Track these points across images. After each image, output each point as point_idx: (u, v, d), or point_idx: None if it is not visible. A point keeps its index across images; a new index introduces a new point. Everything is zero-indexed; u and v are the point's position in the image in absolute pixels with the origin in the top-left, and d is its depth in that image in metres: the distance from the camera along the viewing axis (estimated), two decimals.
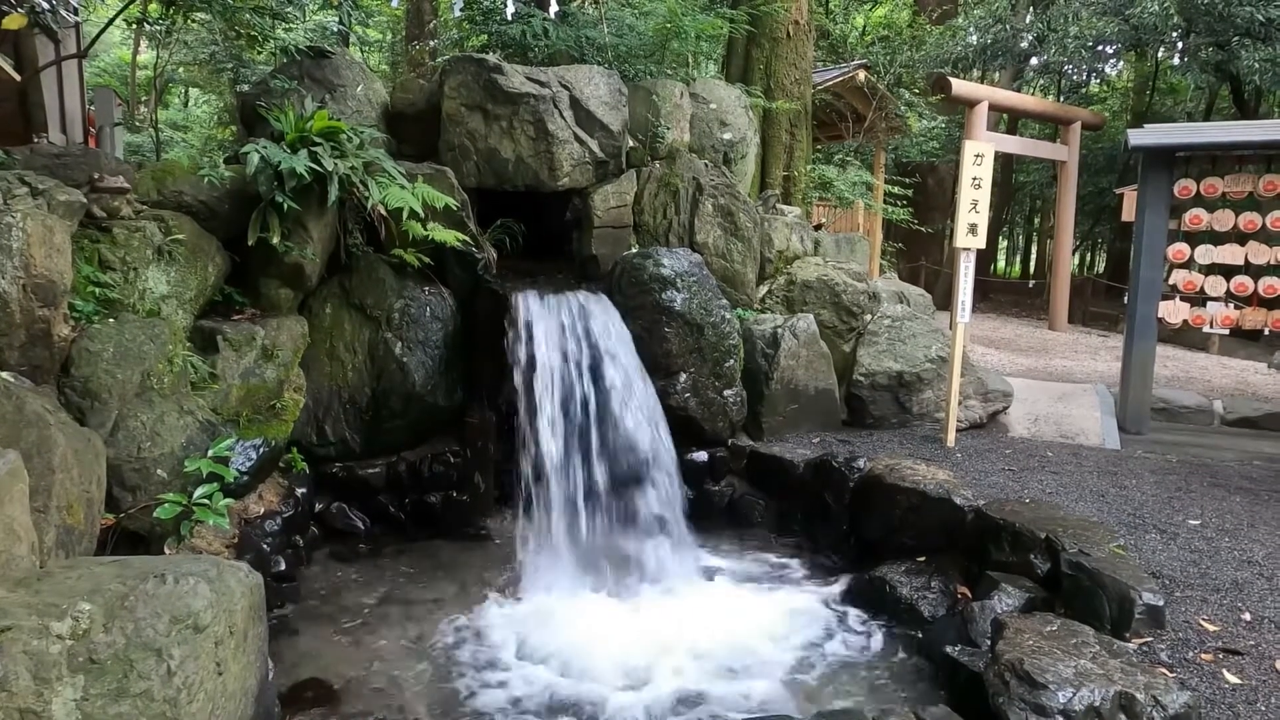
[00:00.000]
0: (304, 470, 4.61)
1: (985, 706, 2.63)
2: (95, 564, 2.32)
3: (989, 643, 3.04)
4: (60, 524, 2.76)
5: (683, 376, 5.14)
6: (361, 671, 3.45)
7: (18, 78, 5.74)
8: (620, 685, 3.40)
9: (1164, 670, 2.72)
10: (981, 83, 15.35)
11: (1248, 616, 3.17)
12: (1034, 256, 29.86)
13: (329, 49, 5.73)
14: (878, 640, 3.77)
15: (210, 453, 3.74)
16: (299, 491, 4.44)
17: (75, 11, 5.62)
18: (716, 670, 3.53)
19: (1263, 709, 2.59)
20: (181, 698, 2.03)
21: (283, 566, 4.06)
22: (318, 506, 4.69)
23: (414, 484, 4.89)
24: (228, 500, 3.70)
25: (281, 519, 4.20)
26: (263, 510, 4.18)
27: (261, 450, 4.17)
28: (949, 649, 3.20)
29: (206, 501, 3.57)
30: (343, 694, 3.29)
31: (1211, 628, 3.08)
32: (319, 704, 3.20)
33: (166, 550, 3.49)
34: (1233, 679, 2.74)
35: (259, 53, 6.15)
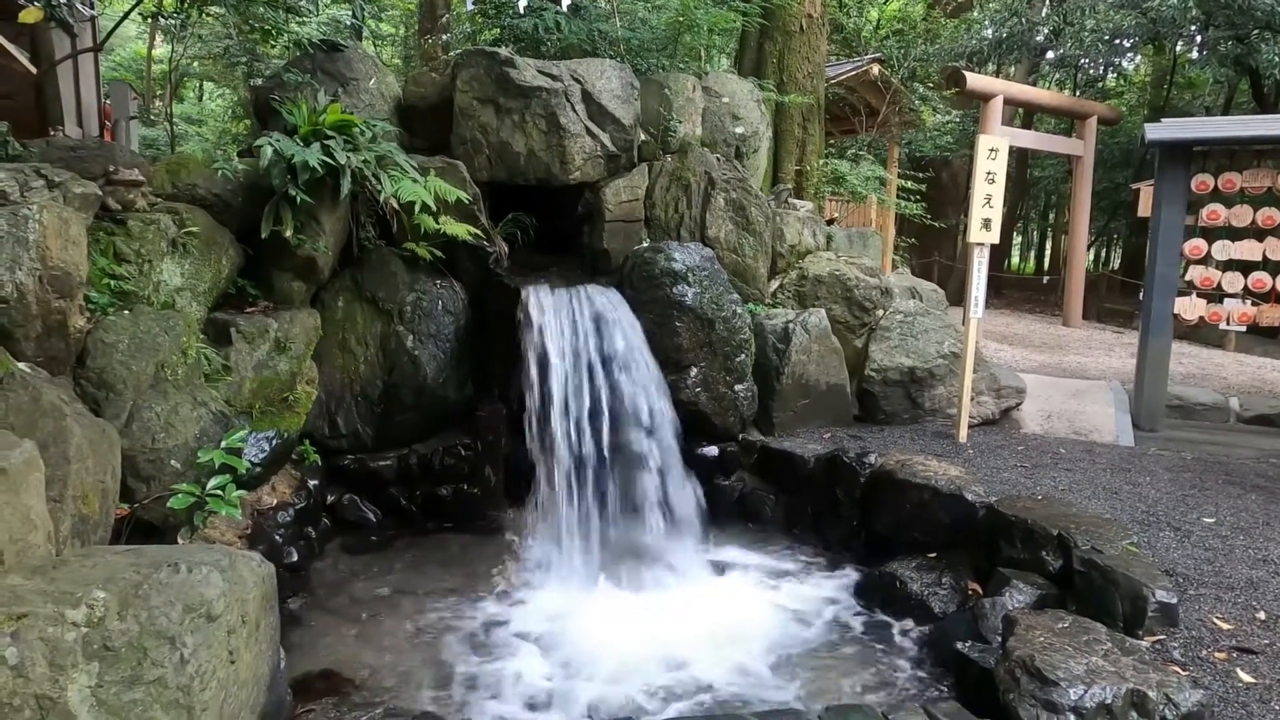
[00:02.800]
0: (316, 462, 4.64)
1: (996, 703, 2.62)
2: (110, 553, 2.34)
3: (1000, 639, 3.03)
4: (75, 513, 2.79)
5: (693, 371, 5.13)
6: (372, 662, 3.48)
7: (34, 71, 5.79)
8: (628, 678, 3.41)
9: (1177, 668, 2.70)
10: (996, 77, 15.21)
11: (1262, 615, 3.14)
12: (1048, 252, 29.65)
13: (342, 43, 5.73)
14: (888, 636, 3.77)
15: (223, 444, 3.77)
16: (311, 483, 4.48)
17: (91, 5, 5.66)
18: (724, 664, 3.53)
19: (1276, 708, 2.57)
20: (195, 685, 2.05)
21: (295, 557, 4.10)
22: (329, 498, 4.72)
23: (425, 476, 4.91)
24: (240, 491, 3.73)
25: (293, 510, 4.24)
26: (275, 501, 4.21)
27: (274, 442, 4.20)
28: (959, 645, 3.19)
29: (219, 492, 3.60)
30: (353, 684, 3.31)
31: (1225, 626, 3.06)
32: (330, 693, 3.23)
33: (180, 540, 3.52)
34: (1246, 678, 2.72)
35: (273, 47, 6.18)
